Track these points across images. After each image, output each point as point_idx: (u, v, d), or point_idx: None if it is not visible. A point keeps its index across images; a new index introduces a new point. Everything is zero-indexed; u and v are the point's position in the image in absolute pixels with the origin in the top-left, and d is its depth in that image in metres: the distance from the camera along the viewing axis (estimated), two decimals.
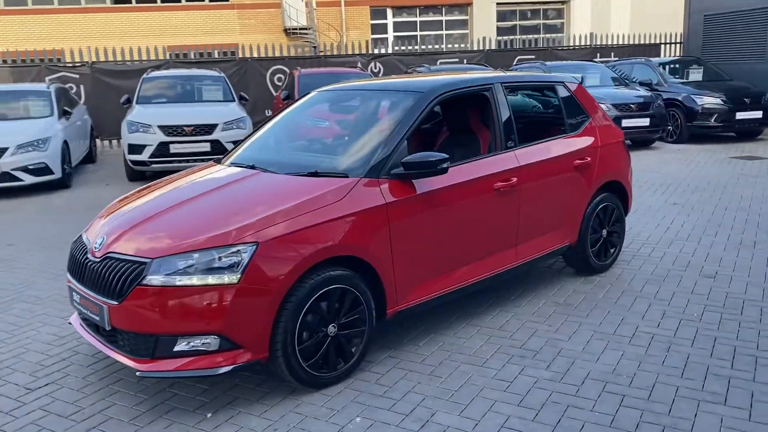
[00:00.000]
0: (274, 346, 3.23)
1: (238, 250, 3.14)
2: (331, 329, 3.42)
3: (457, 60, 15.99)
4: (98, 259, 3.38)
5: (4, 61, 14.90)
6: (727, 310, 4.34)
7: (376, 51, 17.56)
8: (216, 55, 18.58)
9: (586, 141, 4.93)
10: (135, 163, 9.88)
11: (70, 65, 14.05)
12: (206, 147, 9.77)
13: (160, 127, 9.78)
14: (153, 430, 3.12)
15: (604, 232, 5.13)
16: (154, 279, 3.10)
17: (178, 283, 3.08)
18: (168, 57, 14.90)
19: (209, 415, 3.24)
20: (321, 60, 15.22)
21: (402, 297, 3.76)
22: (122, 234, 3.43)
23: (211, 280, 3.09)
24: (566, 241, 4.82)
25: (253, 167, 4.05)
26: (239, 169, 4.08)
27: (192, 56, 15.61)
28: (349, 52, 16.60)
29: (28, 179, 9.29)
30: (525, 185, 4.37)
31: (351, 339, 3.54)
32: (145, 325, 3.13)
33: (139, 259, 3.20)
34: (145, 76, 11.39)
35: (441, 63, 15.76)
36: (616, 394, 3.30)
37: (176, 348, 3.13)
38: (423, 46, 19.17)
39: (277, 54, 15.95)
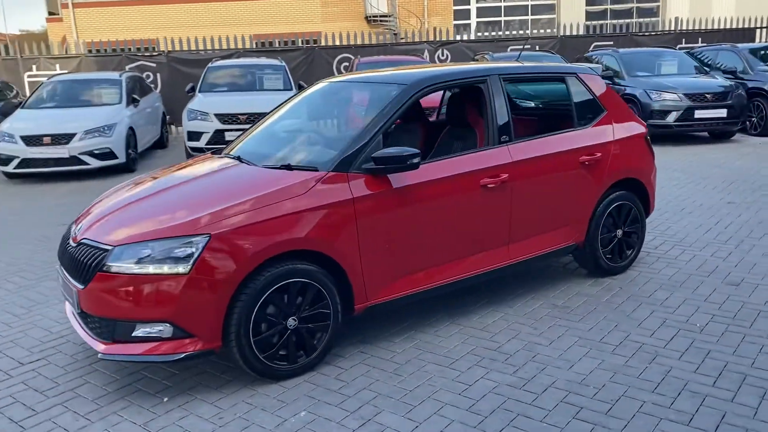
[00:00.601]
0: (228, 336, 3.29)
1: (191, 242, 3.21)
2: (291, 322, 3.44)
3: (528, 47, 15.52)
4: (75, 245, 3.56)
5: (97, 51, 15.81)
6: (735, 322, 4.02)
7: (458, 38, 17.26)
8: (299, 44, 18.95)
9: (597, 136, 4.67)
10: (194, 149, 10.27)
11: (148, 55, 14.76)
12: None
13: (217, 115, 10.12)
14: (111, 409, 3.27)
15: (619, 232, 4.86)
16: (114, 266, 3.23)
17: (135, 271, 3.19)
18: (243, 46, 15.24)
19: (165, 399, 3.35)
20: (388, 48, 15.20)
21: (372, 293, 3.72)
22: (97, 221, 3.59)
23: (165, 269, 3.18)
24: (572, 240, 4.61)
25: (239, 159, 4.12)
26: (225, 160, 4.16)
27: (276, 44, 15.90)
28: (431, 38, 16.36)
29: (94, 163, 9.86)
30: (519, 182, 4.20)
31: (314, 332, 3.54)
32: (105, 310, 3.27)
33: (103, 246, 3.34)
34: (209, 65, 11.80)
35: (511, 50, 15.36)
36: (573, 405, 3.14)
37: (134, 333, 3.25)
38: (507, 32, 18.68)
39: (358, 42, 15.84)
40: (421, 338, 3.96)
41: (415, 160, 3.63)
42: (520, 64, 4.72)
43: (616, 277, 4.87)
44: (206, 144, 10.14)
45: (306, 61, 15.01)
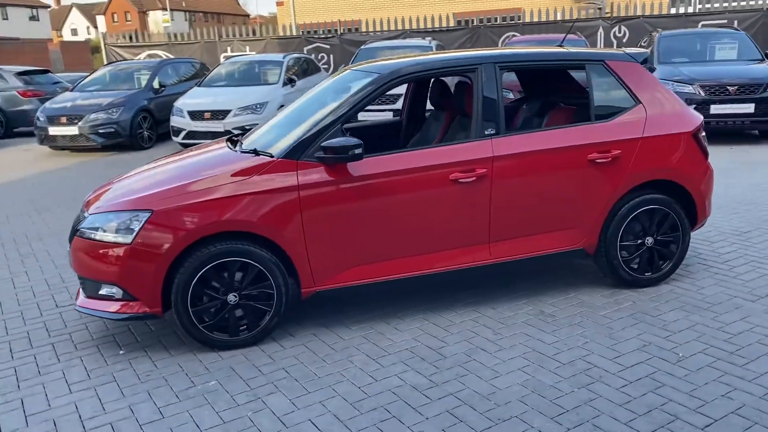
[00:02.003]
0: (170, 303, 3.65)
1: (138, 216, 3.60)
2: (232, 298, 3.69)
3: (725, 21, 13.70)
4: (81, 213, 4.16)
5: (307, 32, 16.92)
6: (733, 356, 3.42)
7: (673, 11, 15.72)
8: (498, 21, 18.70)
9: (617, 131, 4.18)
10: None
11: (323, 37, 15.73)
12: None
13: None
14: (80, 353, 3.82)
15: (649, 240, 4.31)
16: (84, 230, 3.74)
17: (95, 237, 3.67)
18: (440, 25, 14.98)
19: (122, 351, 3.82)
20: (557, 25, 14.43)
21: (320, 279, 3.82)
22: (99, 195, 4.14)
23: (117, 238, 3.61)
24: (578, 244, 4.21)
25: (233, 142, 4.43)
26: (221, 144, 4.48)
27: (475, 22, 15.74)
28: (638, 13, 15.08)
29: None
30: (502, 178, 3.96)
31: (257, 310, 3.76)
32: (79, 268, 3.81)
33: (86, 214, 3.88)
34: (361, 47, 12.29)
35: (703, 25, 13.68)
36: (456, 418, 2.99)
37: (100, 291, 3.75)
38: (707, 5, 16.64)
39: (558, 18, 15.13)
40: (376, 329, 3.97)
41: (357, 151, 3.63)
42: (526, 51, 4.36)
43: (641, 290, 4.35)
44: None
45: (470, 40, 14.85)
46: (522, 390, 3.20)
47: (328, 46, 15.56)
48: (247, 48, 16.01)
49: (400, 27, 15.09)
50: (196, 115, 10.90)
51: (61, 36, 78.68)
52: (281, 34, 16.56)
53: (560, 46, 4.73)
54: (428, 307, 4.24)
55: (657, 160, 4.24)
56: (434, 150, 3.95)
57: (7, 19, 54.02)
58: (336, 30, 16.60)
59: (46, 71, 15.69)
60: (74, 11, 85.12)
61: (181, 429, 3.01)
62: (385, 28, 15.45)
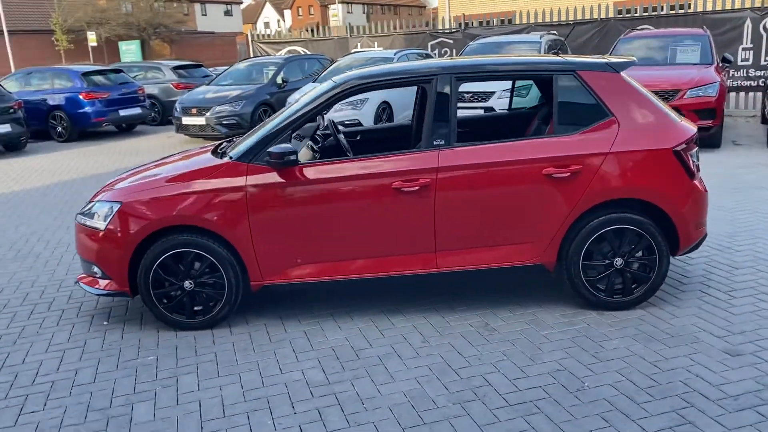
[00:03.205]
0: (136, 285, 4.18)
1: (112, 206, 4.16)
2: (188, 284, 4.14)
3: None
4: None
5: (465, 24, 17.08)
6: (638, 393, 3.21)
7: None
8: (663, 10, 17.62)
9: (580, 145, 3.99)
10: None
11: (447, 32, 15.80)
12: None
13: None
14: (76, 321, 4.48)
15: (619, 261, 4.08)
16: (79, 216, 4.39)
17: (85, 222, 4.30)
18: (599, 15, 14.22)
19: (105, 323, 4.43)
20: (697, 18, 13.20)
21: (267, 274, 4.13)
22: (107, 185, 4.78)
23: (96, 224, 4.20)
24: (532, 259, 4.11)
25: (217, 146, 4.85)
26: (206, 148, 4.90)
27: (636, 12, 14.92)
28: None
29: None
30: (446, 189, 3.98)
31: (211, 297, 4.17)
32: (77, 248, 4.47)
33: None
34: (470, 43, 12.23)
35: None
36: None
37: (91, 270, 4.38)
38: None
39: (710, 7, 13.72)
40: (321, 326, 4.20)
41: (291, 158, 3.90)
42: (487, 60, 4.26)
43: (607, 313, 4.13)
44: None
45: (599, 33, 14.09)
46: (400, 398, 3.29)
47: (451, 41, 15.61)
48: (375, 44, 16.56)
49: (555, 18, 14.40)
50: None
51: (255, 29, 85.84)
52: (440, 28, 16.77)
53: (556, 53, 4.57)
54: (384, 308, 4.38)
55: (625, 178, 4.00)
56: (381, 158, 4.07)
57: (205, 15, 59.94)
58: (488, 22, 16.44)
59: (199, 65, 17.46)
60: (267, 6, 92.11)
61: (99, 394, 3.50)
62: (540, 20, 14.99)
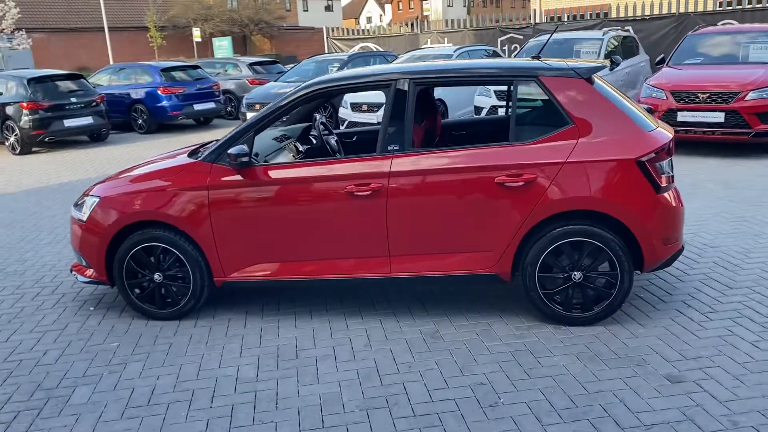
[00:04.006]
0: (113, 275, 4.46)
1: (94, 200, 4.45)
2: (157, 277, 4.37)
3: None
4: None
5: (557, 18, 16.68)
6: (540, 404, 3.10)
7: None
8: (749, 3, 16.41)
9: (535, 154, 3.86)
10: None
11: (517, 27, 15.43)
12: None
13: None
14: (69, 305, 4.83)
15: (577, 275, 3.93)
16: (72, 209, 4.73)
17: (75, 215, 4.63)
18: (695, 9, 13.58)
19: (92, 308, 4.75)
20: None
21: (228, 270, 4.29)
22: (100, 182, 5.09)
23: (80, 216, 4.52)
24: (487, 269, 4.02)
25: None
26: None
27: (732, 6, 14.02)
28: None
29: None
30: (398, 195, 3.98)
31: (178, 290, 4.38)
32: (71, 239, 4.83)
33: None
34: (531, 40, 11.91)
35: None
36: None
37: (81, 259, 4.72)
38: None
39: None
40: (281, 324, 4.30)
41: (243, 159, 4.03)
42: (447, 65, 4.17)
43: (566, 328, 3.98)
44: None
45: (676, 29, 13.29)
46: (314, 400, 3.35)
47: (521, 37, 15.24)
48: (445, 40, 16.43)
49: (656, 12, 13.62)
50: (356, 107, 11.76)
51: (358, 24, 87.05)
52: (514, 23, 16.45)
53: (536, 57, 4.42)
54: (347, 310, 4.44)
55: (582, 189, 3.83)
56: (338, 162, 4.12)
57: (307, 10, 61.63)
58: (582, 15, 15.80)
59: (275, 62, 18.02)
60: (370, 0, 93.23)
61: (53, 375, 3.77)
62: (638, 13, 14.28)
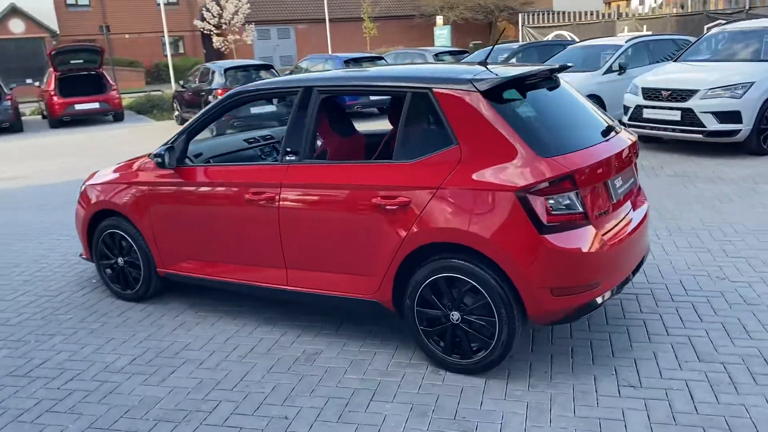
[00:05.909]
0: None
1: (82, 189, 5.04)
2: (120, 261, 4.82)
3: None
4: None
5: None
6: None
7: None
8: None
9: (412, 175, 3.43)
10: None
11: (728, 12, 13.15)
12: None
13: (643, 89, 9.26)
14: (66, 280, 5.47)
15: (455, 316, 3.43)
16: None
17: (77, 198, 5.28)
18: None
19: (94, 281, 5.37)
20: None
21: (165, 264, 4.56)
22: None
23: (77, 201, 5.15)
24: (369, 295, 3.68)
25: None
26: None
27: None
28: None
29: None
30: (288, 206, 3.85)
31: (134, 276, 4.77)
32: None
33: None
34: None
35: None
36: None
37: None
38: None
39: None
40: (194, 319, 4.45)
41: (158, 160, 4.25)
42: (349, 74, 3.79)
43: (438, 374, 3.51)
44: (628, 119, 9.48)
45: None
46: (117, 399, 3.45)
47: (725, 22, 12.97)
48: (645, 27, 14.65)
49: None
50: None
51: (629, 6, 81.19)
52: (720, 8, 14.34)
53: (482, 63, 3.88)
54: (275, 316, 4.40)
55: (454, 218, 3.30)
56: (245, 167, 4.13)
57: None
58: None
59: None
60: None
61: (17, 350, 4.19)
62: None
